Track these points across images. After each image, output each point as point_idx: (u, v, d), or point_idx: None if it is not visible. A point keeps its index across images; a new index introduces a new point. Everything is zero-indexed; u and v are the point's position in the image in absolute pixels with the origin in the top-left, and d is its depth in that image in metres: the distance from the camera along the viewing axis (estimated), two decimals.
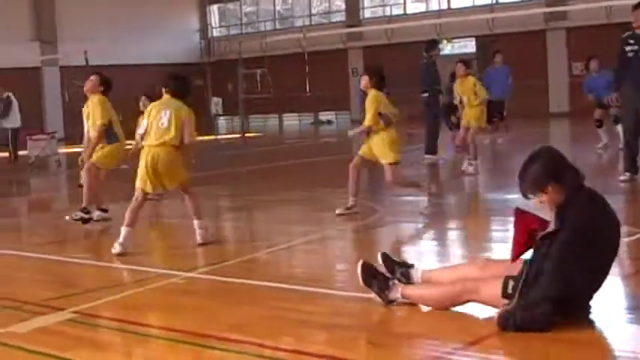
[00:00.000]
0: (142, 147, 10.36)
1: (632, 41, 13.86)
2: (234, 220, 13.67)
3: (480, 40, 39.82)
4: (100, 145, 12.42)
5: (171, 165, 10.20)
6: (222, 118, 45.90)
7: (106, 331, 6.93)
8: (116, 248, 9.95)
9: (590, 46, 35.82)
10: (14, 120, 27.63)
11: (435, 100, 20.16)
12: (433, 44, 21.30)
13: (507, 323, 6.01)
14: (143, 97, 15.78)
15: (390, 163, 12.03)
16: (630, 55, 13.83)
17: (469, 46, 41.13)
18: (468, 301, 6.55)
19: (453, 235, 11.44)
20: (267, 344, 6.08)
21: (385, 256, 7.48)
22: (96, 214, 12.58)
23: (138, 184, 10.30)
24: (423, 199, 12.52)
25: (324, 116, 44.23)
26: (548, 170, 6.30)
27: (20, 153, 27.67)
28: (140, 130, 10.50)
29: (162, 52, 46.58)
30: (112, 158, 12.61)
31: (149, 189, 10.30)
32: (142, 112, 14.93)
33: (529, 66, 37.85)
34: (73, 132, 37.67)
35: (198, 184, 13.82)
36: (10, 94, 27.65)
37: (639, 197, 13.53)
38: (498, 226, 11.13)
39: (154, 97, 15.06)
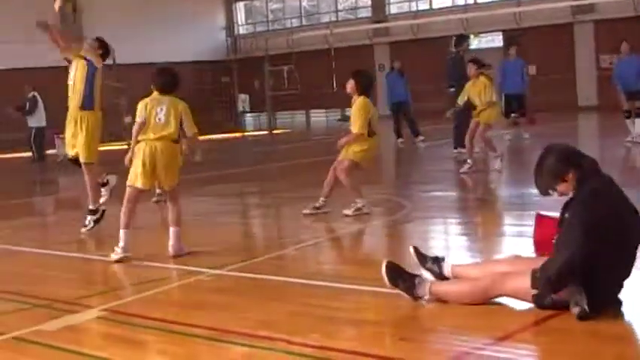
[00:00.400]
0: (139, 142, 9.89)
1: None
2: (262, 216, 13.69)
3: (507, 34, 39.68)
4: None
5: (170, 160, 9.86)
6: (249, 115, 45.97)
7: (135, 328, 6.94)
8: (117, 253, 9.73)
9: (618, 39, 35.74)
10: (39, 119, 27.80)
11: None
12: (462, 39, 21.21)
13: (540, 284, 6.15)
14: None
15: (351, 160, 12.08)
16: None
17: (496, 41, 40.97)
18: (498, 295, 6.54)
19: (481, 230, 11.39)
20: (295, 340, 6.09)
21: (416, 249, 7.48)
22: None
23: (129, 180, 9.93)
24: (451, 194, 12.48)
25: (351, 112, 44.03)
26: (564, 158, 6.39)
27: (49, 152, 27.85)
28: (139, 119, 9.86)
29: (189, 50, 46.68)
30: None
31: (140, 184, 9.86)
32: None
33: (557, 60, 37.73)
34: (103, 130, 37.96)
35: (227, 182, 13.87)
36: (36, 93, 27.83)
37: None
38: (520, 221, 11.10)
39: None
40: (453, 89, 20.00)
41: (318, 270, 9.09)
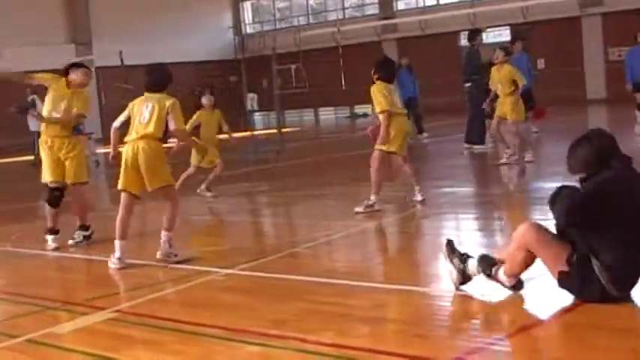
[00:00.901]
0: (122, 145, 9.74)
1: None
2: (273, 215, 13.67)
3: (515, 29, 39.59)
4: None
5: (153, 160, 9.51)
6: (257, 114, 45.94)
7: (147, 329, 6.92)
8: (114, 263, 9.54)
9: (627, 31, 35.58)
10: (39, 123, 27.77)
11: (479, 89, 19.95)
12: (475, 33, 21.15)
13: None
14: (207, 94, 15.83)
15: (380, 150, 12.12)
16: None
17: (504, 35, 40.88)
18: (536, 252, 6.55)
19: (494, 226, 11.35)
20: (309, 339, 6.07)
21: (449, 242, 7.40)
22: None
23: (119, 185, 9.73)
24: (463, 190, 12.43)
25: (360, 109, 44.15)
26: (598, 154, 6.42)
27: None
28: (116, 123, 9.84)
29: (197, 50, 46.73)
30: None
31: (121, 186, 9.65)
32: (201, 107, 15.15)
33: (565, 53, 37.64)
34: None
35: (237, 181, 13.86)
36: (35, 96, 27.79)
37: None
38: (536, 216, 11.07)
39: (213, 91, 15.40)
40: (469, 84, 19.96)
41: (331, 268, 9.06)
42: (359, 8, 48.64)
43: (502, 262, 6.83)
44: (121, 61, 26.37)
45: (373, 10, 46.54)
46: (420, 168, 18.55)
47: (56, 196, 11.33)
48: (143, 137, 9.50)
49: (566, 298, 6.37)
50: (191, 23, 47.09)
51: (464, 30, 41.54)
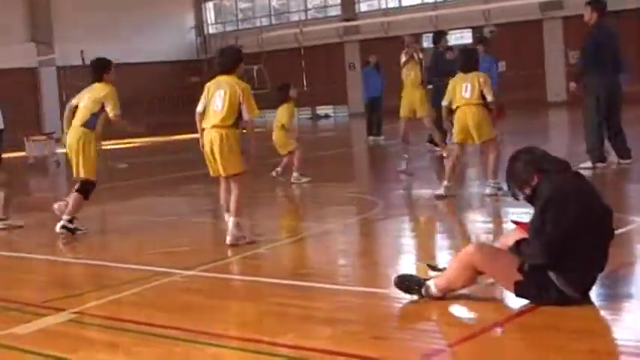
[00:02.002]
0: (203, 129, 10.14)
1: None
2: None
3: (477, 31, 39.80)
4: None
5: (227, 148, 9.96)
6: None
7: (107, 330, 6.89)
8: (228, 239, 9.91)
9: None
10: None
11: (439, 92, 19.87)
12: (440, 35, 21.09)
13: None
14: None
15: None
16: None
17: (466, 37, 41.07)
18: (484, 271, 6.58)
19: (454, 227, 11.39)
20: (269, 341, 6.06)
21: (429, 266, 7.45)
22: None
23: (210, 173, 10.46)
24: (424, 192, 12.46)
25: (321, 110, 44.19)
26: (529, 163, 6.55)
27: (19, 154, 27.62)
28: (199, 108, 10.13)
29: (159, 50, 46.64)
30: None
31: (213, 173, 10.39)
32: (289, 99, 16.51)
33: (526, 56, 37.92)
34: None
35: (198, 182, 13.83)
36: None
37: (633, 187, 13.51)
38: (493, 218, 11.14)
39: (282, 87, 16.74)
40: (431, 86, 19.92)
41: (292, 269, 9.07)
42: (321, 10, 48.68)
43: (427, 277, 6.93)
44: (83, 60, 26.25)
45: (336, 11, 46.62)
46: (381, 169, 18.64)
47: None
48: (216, 126, 9.90)
49: (524, 300, 6.41)
50: (154, 23, 46.99)
51: (426, 32, 41.76)
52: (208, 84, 10.16)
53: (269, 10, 50.77)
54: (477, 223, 11.34)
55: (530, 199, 6.54)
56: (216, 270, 8.88)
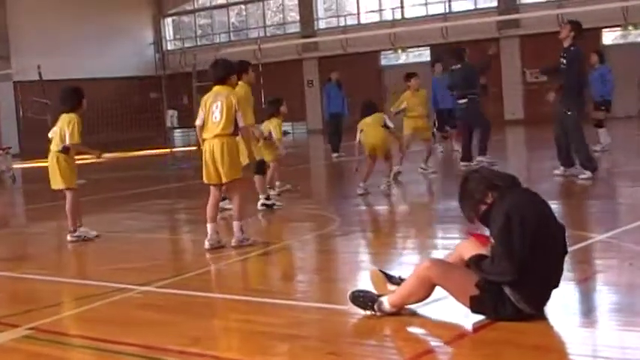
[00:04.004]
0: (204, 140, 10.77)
1: (563, 54, 15.42)
2: (191, 233, 13.59)
3: (435, 49, 40.05)
4: None
5: (228, 155, 10.56)
6: (177, 130, 45.71)
7: (62, 346, 6.85)
8: (206, 246, 10.63)
9: (543, 54, 36.11)
10: None
11: (476, 106, 19.72)
12: (462, 51, 20.66)
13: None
14: None
15: None
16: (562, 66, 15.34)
17: (424, 55, 41.31)
18: (440, 285, 6.62)
19: (410, 243, 11.43)
20: (225, 356, 6.05)
21: (381, 271, 7.47)
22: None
23: (204, 179, 10.89)
24: (382, 208, 12.49)
25: None
26: (480, 182, 6.63)
27: None
28: (198, 122, 10.81)
29: (117, 66, 46.44)
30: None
31: (206, 180, 10.83)
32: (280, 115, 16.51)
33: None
34: (29, 147, 37.49)
35: (155, 198, 13.79)
36: None
37: (590, 203, 13.63)
38: (450, 234, 11.19)
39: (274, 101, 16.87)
40: (464, 100, 19.47)
41: (248, 285, 9.08)
42: (280, 27, 48.73)
43: (381, 294, 6.95)
44: (40, 75, 26.07)
45: (295, 28, 46.68)
46: (339, 186, 18.68)
47: None
48: (217, 136, 10.56)
49: (478, 316, 6.45)
50: (112, 39, 46.83)
51: (384, 50, 41.99)
52: (205, 97, 10.81)
53: (228, 27, 50.76)
54: (436, 238, 11.39)
55: (484, 219, 6.58)
56: (173, 286, 8.85)
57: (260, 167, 13.94)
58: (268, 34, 48.07)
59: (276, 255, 10.74)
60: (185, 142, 42.96)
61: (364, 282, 7.60)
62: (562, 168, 15.70)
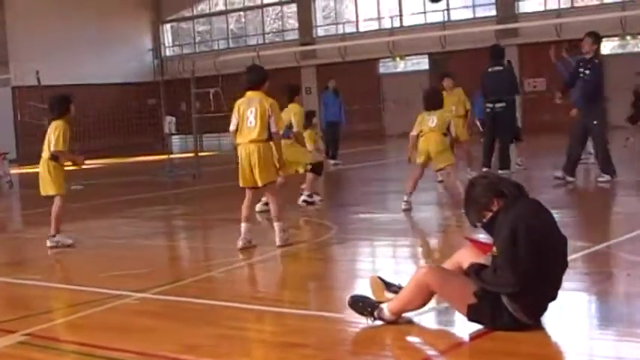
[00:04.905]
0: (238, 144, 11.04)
1: (581, 64, 15.95)
2: (189, 239, 13.59)
3: (433, 57, 40.12)
4: None
5: (263, 160, 10.85)
6: (175, 137, 45.75)
7: (57, 353, 6.84)
8: (239, 245, 10.94)
9: (542, 62, 36.14)
10: None
11: (513, 110, 19.21)
12: (503, 50, 20.38)
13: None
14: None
15: None
16: (580, 76, 15.84)
17: (422, 64, 41.37)
18: (437, 293, 6.62)
19: (408, 252, 11.42)
20: None
21: (380, 278, 7.46)
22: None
23: (240, 183, 11.13)
24: (379, 216, 12.47)
25: None
26: (486, 189, 6.59)
27: None
28: (232, 127, 11.08)
29: (116, 72, 46.42)
30: None
31: (242, 184, 11.07)
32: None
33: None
34: (27, 152, 37.45)
35: (153, 205, 13.79)
36: None
37: (587, 212, 13.63)
38: (448, 242, 11.18)
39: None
40: (502, 104, 18.77)
41: (245, 293, 9.05)
42: (279, 34, 48.77)
43: (381, 301, 6.95)
44: (38, 80, 26.03)
45: (293, 35, 46.71)
46: (336, 194, 18.66)
47: None
48: (252, 141, 10.82)
49: (476, 325, 6.44)
50: (111, 45, 46.80)
51: (383, 58, 42.04)
52: (238, 102, 11.05)
53: (226, 34, 50.77)
54: (434, 245, 11.39)
55: (488, 226, 6.56)
56: (170, 293, 8.84)
57: (318, 168, 14.78)
58: (267, 41, 48.10)
59: (273, 262, 10.73)
60: (183, 149, 42.99)
61: (361, 290, 7.59)
62: (562, 172, 16.07)
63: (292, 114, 14.25)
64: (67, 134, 12.19)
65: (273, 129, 10.85)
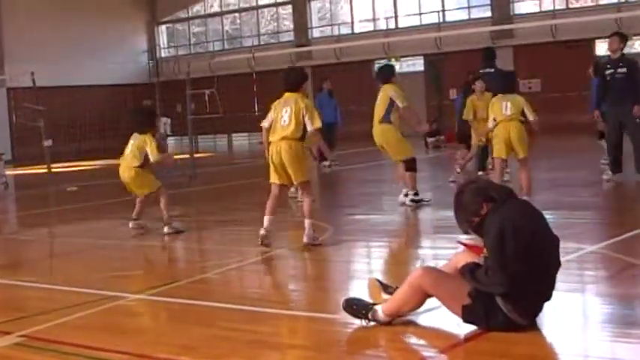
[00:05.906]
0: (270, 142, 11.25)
1: (608, 65, 15.96)
2: (184, 240, 13.56)
3: (429, 59, 40.16)
4: None
5: (295, 158, 11.07)
6: (171, 138, 45.74)
7: (53, 354, 6.83)
8: (260, 235, 11.11)
9: (536, 64, 36.28)
10: None
11: None
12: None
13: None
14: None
15: None
16: (608, 78, 15.82)
17: (417, 65, 41.40)
18: (432, 294, 6.63)
19: (403, 253, 11.43)
20: None
21: (377, 280, 7.47)
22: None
23: (270, 179, 11.36)
24: (374, 217, 12.47)
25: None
26: (475, 194, 6.61)
27: None
28: (265, 124, 11.33)
29: (111, 73, 46.38)
30: None
31: (272, 180, 11.30)
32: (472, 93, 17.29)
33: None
34: (22, 153, 37.46)
35: (148, 206, 13.78)
36: None
37: (584, 214, 13.64)
38: (442, 244, 11.19)
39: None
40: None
41: (241, 294, 9.06)
42: (274, 35, 48.76)
43: (376, 302, 6.95)
44: (33, 82, 26.02)
45: (289, 37, 46.71)
46: (332, 195, 18.66)
47: None
48: (284, 138, 11.06)
49: (471, 326, 6.45)
50: (106, 46, 46.77)
51: (378, 59, 42.05)
52: (275, 102, 11.37)
53: (222, 35, 50.76)
54: (429, 247, 11.40)
55: (478, 230, 6.58)
56: (165, 294, 8.84)
57: (412, 164, 14.46)
58: (262, 42, 48.10)
59: (268, 263, 10.73)
60: (178, 150, 42.99)
61: (357, 291, 7.60)
62: (610, 173, 16.18)
63: None
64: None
65: (310, 127, 11.06)
